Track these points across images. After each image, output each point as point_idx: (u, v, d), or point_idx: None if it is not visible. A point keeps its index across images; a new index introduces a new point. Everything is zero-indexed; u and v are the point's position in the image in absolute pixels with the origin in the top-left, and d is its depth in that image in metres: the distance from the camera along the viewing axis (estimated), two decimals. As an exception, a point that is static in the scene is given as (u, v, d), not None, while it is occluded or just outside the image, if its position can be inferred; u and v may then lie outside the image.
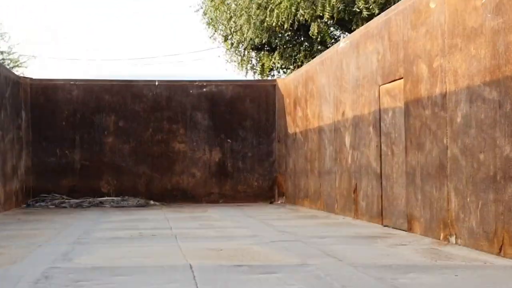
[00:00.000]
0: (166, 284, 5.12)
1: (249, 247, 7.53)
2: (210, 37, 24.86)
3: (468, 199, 7.40)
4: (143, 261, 6.45)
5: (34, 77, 17.33)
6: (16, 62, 31.77)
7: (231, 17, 21.90)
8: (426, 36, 8.48)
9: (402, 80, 9.29)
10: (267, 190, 16.82)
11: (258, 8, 20.28)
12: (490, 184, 6.86)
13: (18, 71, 29.29)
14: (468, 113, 7.39)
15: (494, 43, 6.77)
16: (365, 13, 17.37)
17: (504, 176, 6.53)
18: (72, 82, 16.52)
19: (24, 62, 33.51)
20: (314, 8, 18.61)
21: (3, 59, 30.83)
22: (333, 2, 17.90)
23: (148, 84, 16.69)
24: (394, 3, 13.32)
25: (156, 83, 16.79)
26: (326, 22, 19.92)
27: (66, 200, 15.60)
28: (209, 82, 16.95)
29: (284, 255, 6.80)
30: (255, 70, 23.77)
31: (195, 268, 5.83)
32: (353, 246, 7.63)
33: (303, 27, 20.79)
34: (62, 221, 11.62)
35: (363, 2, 17.32)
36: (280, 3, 18.93)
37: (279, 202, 16.53)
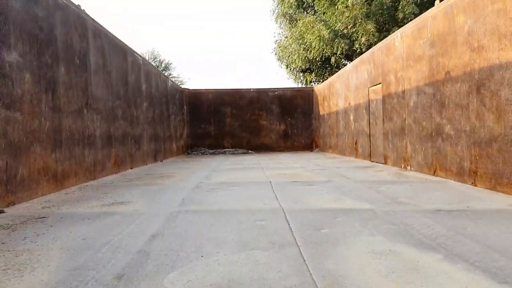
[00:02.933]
0: (258, 190, 6.36)
1: (300, 172, 8.55)
2: (279, 66, 29.04)
3: (416, 146, 8.20)
4: (246, 179, 7.74)
5: (189, 88, 21.27)
6: (180, 81, 41.12)
7: (289, 55, 25.21)
8: (394, 60, 9.28)
9: (380, 84, 10.05)
10: (309, 144, 20.29)
11: (303, 50, 23.44)
12: (429, 138, 7.72)
13: (182, 85, 36.03)
14: (416, 100, 8.19)
15: (430, 63, 7.60)
16: (360, 50, 19.89)
17: (436, 134, 7.32)
18: (208, 90, 20.51)
19: (186, 82, 42.92)
20: (332, 49, 20.95)
21: (173, 78, 38.65)
22: (342, 45, 20.43)
23: (247, 90, 20.44)
24: (376, 44, 15.50)
25: (251, 90, 20.35)
26: (339, 56, 22.39)
27: (207, 151, 19.73)
28: (278, 89, 20.32)
29: (319, 176, 7.84)
30: (302, 82, 27.17)
31: (272, 183, 7.07)
32: (355, 171, 8.64)
33: (327, 59, 24.01)
34: (204, 161, 13.66)
35: (359, 45, 19.50)
36: (314, 47, 21.60)
37: (316, 150, 19.86)
